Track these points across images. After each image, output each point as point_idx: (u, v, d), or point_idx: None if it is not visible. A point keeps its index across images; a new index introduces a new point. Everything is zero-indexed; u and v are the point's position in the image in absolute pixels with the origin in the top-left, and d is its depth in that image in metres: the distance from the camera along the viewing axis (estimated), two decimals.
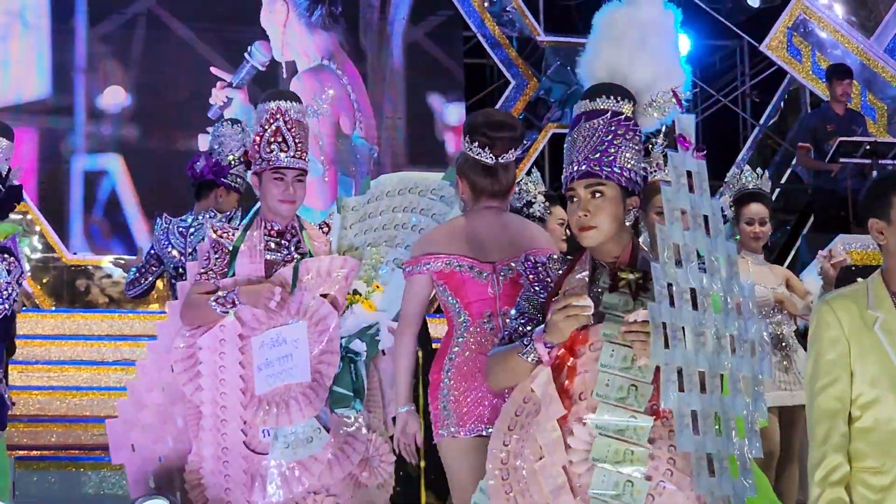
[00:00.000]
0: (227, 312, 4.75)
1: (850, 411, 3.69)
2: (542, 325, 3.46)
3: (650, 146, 3.59)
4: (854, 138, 10.43)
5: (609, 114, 3.57)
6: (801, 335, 6.81)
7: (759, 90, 13.98)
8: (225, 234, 4.89)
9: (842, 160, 10.35)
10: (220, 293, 4.76)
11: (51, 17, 11.95)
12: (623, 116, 3.58)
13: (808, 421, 3.77)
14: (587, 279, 3.56)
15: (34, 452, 8.72)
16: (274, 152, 4.82)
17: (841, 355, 3.70)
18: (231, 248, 4.85)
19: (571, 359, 3.49)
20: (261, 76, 12.16)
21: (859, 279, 4.02)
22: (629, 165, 3.56)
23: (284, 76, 12.39)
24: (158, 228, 7.03)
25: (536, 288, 3.61)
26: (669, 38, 3.70)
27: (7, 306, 5.23)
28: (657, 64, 3.64)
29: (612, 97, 3.59)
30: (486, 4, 12.82)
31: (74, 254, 11.26)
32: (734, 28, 13.35)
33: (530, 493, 3.46)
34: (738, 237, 6.76)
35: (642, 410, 3.42)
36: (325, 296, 4.77)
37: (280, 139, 4.82)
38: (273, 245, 4.90)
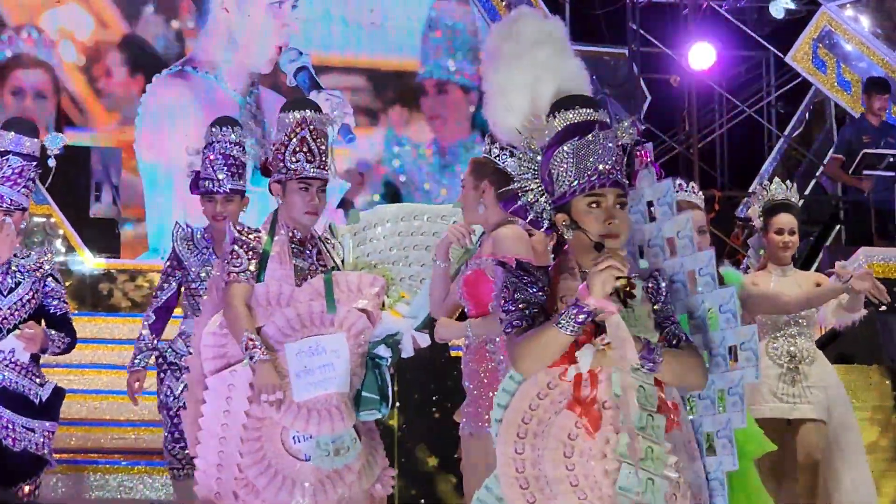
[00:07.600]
0: (243, 360, 4.77)
1: None
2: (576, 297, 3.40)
3: None
4: (878, 150, 10.42)
5: (612, 129, 3.63)
6: (822, 345, 6.76)
7: (784, 101, 13.96)
8: (249, 234, 4.90)
9: (865, 172, 10.33)
10: (255, 340, 4.72)
11: None
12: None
13: None
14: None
15: (53, 455, 8.71)
16: (300, 162, 4.89)
17: None
18: (262, 252, 4.88)
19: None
20: None
21: None
22: None
23: None
24: None
25: (533, 289, 3.55)
26: (561, 45, 3.80)
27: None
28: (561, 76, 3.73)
29: (604, 110, 3.66)
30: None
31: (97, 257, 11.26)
32: (760, 39, 13.33)
33: (558, 503, 3.44)
34: (762, 251, 6.71)
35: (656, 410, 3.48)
36: (361, 310, 4.85)
37: (306, 149, 4.90)
38: (297, 251, 4.95)
